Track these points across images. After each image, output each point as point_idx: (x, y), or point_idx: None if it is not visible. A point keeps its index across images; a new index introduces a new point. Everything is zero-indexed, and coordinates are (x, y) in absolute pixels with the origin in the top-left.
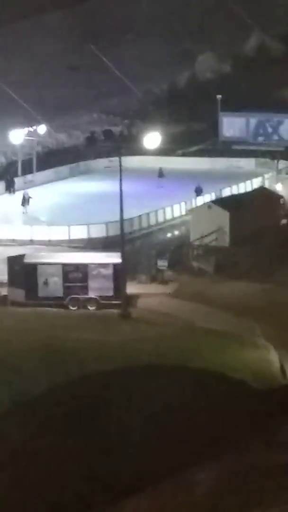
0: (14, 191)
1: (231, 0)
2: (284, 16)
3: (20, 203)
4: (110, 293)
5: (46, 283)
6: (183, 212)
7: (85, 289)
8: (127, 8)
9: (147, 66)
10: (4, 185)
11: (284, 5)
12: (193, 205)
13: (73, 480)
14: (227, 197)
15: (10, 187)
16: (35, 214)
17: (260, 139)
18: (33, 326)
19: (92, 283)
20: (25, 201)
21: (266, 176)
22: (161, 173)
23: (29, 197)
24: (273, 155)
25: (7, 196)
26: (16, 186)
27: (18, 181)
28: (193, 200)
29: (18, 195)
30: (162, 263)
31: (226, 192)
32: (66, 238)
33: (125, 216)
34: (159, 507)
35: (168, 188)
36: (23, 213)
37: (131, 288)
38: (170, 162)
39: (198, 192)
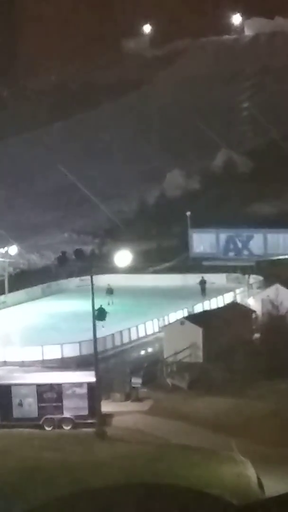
0: None
1: (197, 117)
2: (250, 133)
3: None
4: (85, 412)
5: (20, 404)
6: (156, 329)
7: (60, 409)
8: (94, 129)
9: (117, 185)
10: None
11: (250, 122)
12: (166, 322)
13: None
14: (200, 313)
15: None
16: (7, 336)
17: (231, 254)
18: (7, 448)
19: (66, 403)
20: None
21: (237, 291)
22: (110, 290)
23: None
24: (244, 270)
25: None
26: None
27: None
28: (166, 317)
29: None
30: (136, 381)
31: (198, 308)
32: (40, 358)
33: (98, 335)
34: None
35: (142, 306)
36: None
37: (106, 407)
38: (141, 280)
39: (202, 284)
